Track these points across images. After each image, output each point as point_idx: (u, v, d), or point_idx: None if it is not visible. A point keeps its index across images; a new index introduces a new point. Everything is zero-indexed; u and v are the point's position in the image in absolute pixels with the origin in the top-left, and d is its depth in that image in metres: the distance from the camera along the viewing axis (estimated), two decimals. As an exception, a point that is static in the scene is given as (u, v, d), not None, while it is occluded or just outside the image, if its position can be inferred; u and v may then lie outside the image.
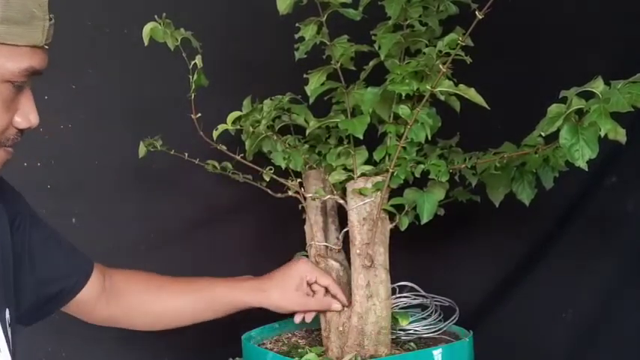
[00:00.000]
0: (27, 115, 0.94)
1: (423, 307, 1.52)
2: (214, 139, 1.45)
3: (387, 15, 1.30)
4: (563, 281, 1.82)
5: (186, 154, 1.50)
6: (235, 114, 1.46)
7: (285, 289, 1.34)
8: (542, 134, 1.11)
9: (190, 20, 1.40)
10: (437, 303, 1.51)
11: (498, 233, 1.81)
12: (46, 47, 0.92)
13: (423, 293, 1.52)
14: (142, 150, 1.49)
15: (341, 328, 1.39)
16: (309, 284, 1.37)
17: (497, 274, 1.89)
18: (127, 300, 1.30)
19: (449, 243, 1.84)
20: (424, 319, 1.48)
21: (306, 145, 1.48)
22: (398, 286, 1.51)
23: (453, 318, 1.47)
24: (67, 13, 1.59)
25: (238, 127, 1.47)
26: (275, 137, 1.46)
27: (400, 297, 1.52)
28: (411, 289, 1.53)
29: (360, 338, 1.35)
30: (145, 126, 1.60)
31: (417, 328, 1.47)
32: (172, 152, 1.49)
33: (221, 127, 1.46)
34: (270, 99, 1.45)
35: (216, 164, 1.51)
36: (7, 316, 1.04)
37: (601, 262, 1.78)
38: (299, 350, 1.43)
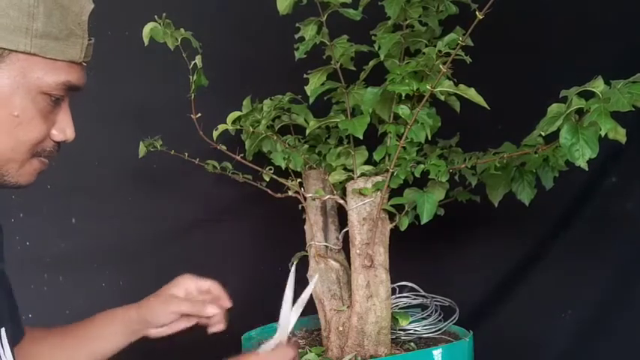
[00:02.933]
0: (63, 129, 0.97)
1: (423, 307, 1.52)
2: (214, 139, 1.45)
3: (386, 15, 1.30)
4: (563, 281, 1.82)
5: (187, 154, 1.50)
6: (235, 114, 1.47)
7: (166, 298, 1.23)
8: (542, 134, 1.11)
9: (190, 20, 1.40)
10: (437, 303, 1.51)
11: (498, 233, 1.81)
12: (84, 64, 0.95)
13: (423, 293, 1.52)
14: (142, 150, 1.49)
15: (341, 328, 1.39)
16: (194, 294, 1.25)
17: (498, 274, 1.89)
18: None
19: (449, 243, 1.84)
20: (424, 319, 1.48)
21: (306, 145, 1.48)
22: (398, 286, 1.51)
23: (453, 318, 1.47)
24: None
25: (238, 127, 1.47)
26: (275, 137, 1.46)
27: (400, 297, 1.52)
28: (411, 289, 1.53)
29: (360, 338, 1.35)
30: (145, 126, 1.60)
31: (417, 328, 1.47)
32: (172, 152, 1.49)
33: (221, 127, 1.46)
34: (270, 99, 1.45)
35: (216, 164, 1.51)
36: (7, 333, 1.03)
37: (601, 262, 1.78)
38: (299, 350, 1.43)
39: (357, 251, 1.35)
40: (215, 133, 1.46)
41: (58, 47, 0.90)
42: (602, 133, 1.03)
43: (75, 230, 1.64)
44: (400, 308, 1.52)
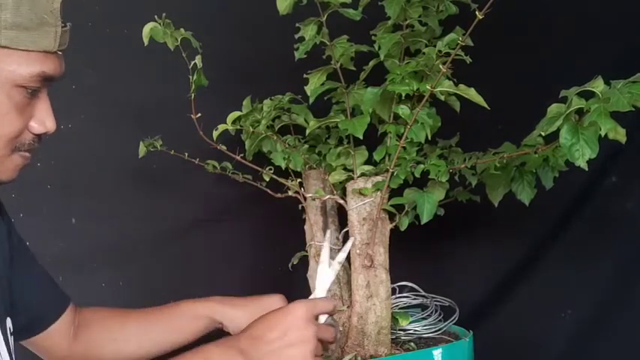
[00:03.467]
0: (43, 121, 0.94)
1: (423, 307, 1.52)
2: (214, 139, 1.45)
3: (386, 15, 1.30)
4: (563, 281, 1.81)
5: (187, 154, 1.50)
6: (235, 114, 1.46)
7: (253, 314, 1.16)
8: (542, 134, 1.11)
9: (190, 20, 1.40)
10: (437, 303, 1.51)
11: (498, 233, 1.81)
12: (60, 53, 0.93)
13: (423, 293, 1.52)
14: (142, 150, 1.49)
15: (341, 328, 1.39)
16: None
17: (497, 274, 1.89)
18: (95, 331, 1.23)
19: (449, 243, 1.84)
20: (424, 319, 1.48)
21: (306, 145, 1.48)
22: (398, 286, 1.51)
23: (453, 318, 1.47)
24: (67, 14, 1.60)
25: (238, 127, 1.47)
26: (275, 137, 1.46)
27: (400, 297, 1.52)
28: (411, 289, 1.53)
29: (359, 338, 1.35)
30: (145, 126, 1.60)
31: (417, 328, 1.47)
32: (172, 152, 1.49)
33: (221, 127, 1.46)
34: (270, 99, 1.45)
35: (216, 164, 1.51)
36: (9, 325, 1.03)
37: (601, 262, 1.78)
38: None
39: (357, 251, 1.35)
40: (215, 133, 1.46)
41: (30, 38, 0.87)
42: (602, 133, 1.03)
43: (75, 230, 1.64)
44: (400, 308, 1.51)
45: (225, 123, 1.46)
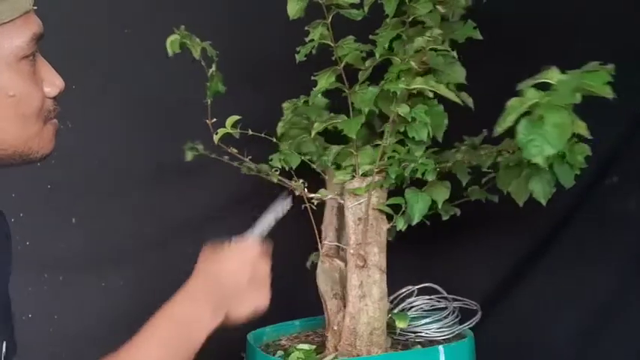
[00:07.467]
0: (53, 82, 0.93)
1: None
2: (215, 142, 1.43)
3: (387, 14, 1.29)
4: (563, 281, 1.81)
5: (227, 157, 1.46)
6: (234, 117, 1.44)
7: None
8: (499, 130, 1.02)
9: (192, 20, 1.39)
10: (456, 305, 1.49)
11: (498, 233, 1.81)
12: (35, 8, 0.91)
13: (445, 295, 1.49)
14: (189, 155, 1.47)
15: (335, 327, 1.39)
16: None
17: (497, 275, 1.89)
18: None
19: (448, 243, 1.84)
20: (440, 320, 1.46)
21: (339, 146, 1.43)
22: (418, 288, 1.50)
23: (471, 321, 1.45)
24: (67, 14, 1.60)
25: (237, 129, 1.45)
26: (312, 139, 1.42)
27: (422, 299, 1.50)
28: (434, 291, 1.50)
29: (351, 338, 1.35)
30: (145, 126, 1.60)
31: (428, 331, 1.45)
32: (213, 156, 1.45)
33: (221, 131, 1.43)
34: (288, 102, 1.44)
35: (252, 166, 1.46)
36: (4, 349, 1.01)
37: (601, 262, 1.78)
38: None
39: (351, 251, 1.35)
40: (216, 137, 1.43)
41: (9, 6, 0.86)
42: (547, 127, 0.97)
43: (75, 230, 1.63)
44: (424, 310, 1.49)
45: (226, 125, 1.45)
